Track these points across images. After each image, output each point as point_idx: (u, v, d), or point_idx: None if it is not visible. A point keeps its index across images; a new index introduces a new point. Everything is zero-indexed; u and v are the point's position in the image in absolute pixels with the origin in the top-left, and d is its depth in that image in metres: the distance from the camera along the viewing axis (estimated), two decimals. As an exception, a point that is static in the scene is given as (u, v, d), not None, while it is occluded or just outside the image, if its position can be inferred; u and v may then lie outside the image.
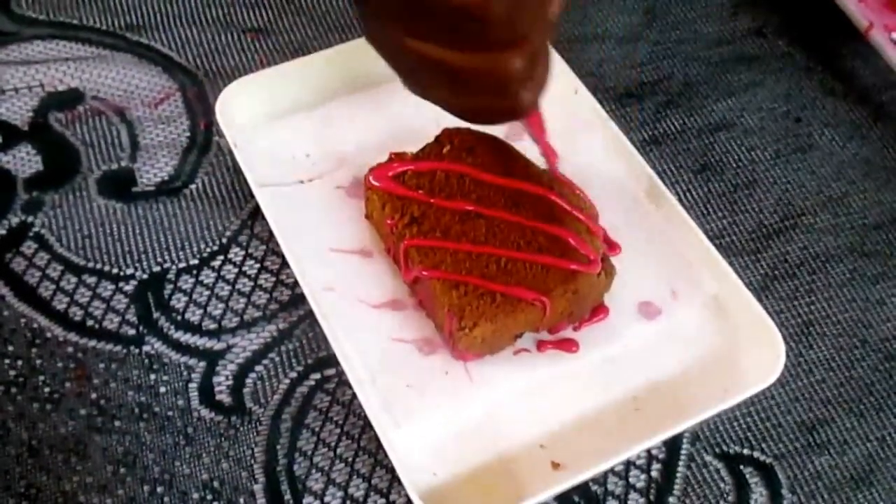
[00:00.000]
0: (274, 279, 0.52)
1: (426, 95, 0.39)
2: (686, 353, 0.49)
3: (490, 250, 0.46)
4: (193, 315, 0.50)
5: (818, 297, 0.53)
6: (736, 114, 0.61)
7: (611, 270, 0.48)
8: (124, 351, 0.49)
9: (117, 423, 0.47)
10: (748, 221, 0.56)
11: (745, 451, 0.48)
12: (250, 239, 0.53)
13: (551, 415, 0.46)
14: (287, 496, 0.46)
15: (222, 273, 0.52)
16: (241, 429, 0.47)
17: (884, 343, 0.52)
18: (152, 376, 0.48)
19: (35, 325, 0.49)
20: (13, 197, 0.54)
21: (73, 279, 0.51)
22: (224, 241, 0.53)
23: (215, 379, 0.48)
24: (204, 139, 0.57)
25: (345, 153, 0.54)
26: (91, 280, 0.51)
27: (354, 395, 0.46)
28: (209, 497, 0.45)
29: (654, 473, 0.47)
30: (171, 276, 0.51)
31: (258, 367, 0.49)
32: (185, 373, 0.48)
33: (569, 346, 0.48)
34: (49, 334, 0.49)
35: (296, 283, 0.50)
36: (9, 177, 0.54)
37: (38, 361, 0.48)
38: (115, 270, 0.51)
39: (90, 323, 0.50)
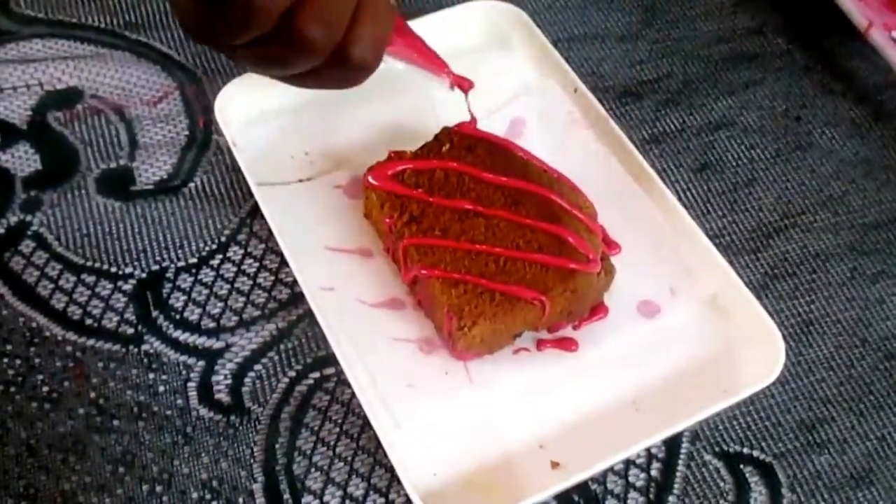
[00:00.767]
0: (273, 278, 0.52)
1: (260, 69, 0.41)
2: (686, 352, 0.49)
3: (489, 249, 0.46)
4: (192, 314, 0.50)
5: (818, 295, 0.53)
6: (735, 112, 0.61)
7: (610, 269, 0.48)
8: (123, 350, 0.49)
9: (116, 423, 0.47)
10: (748, 220, 0.56)
11: (745, 450, 0.48)
12: (249, 238, 0.53)
13: (551, 414, 0.46)
14: (286, 495, 0.45)
15: (221, 272, 0.52)
16: (240, 428, 0.47)
17: (884, 342, 0.52)
18: (151, 375, 0.48)
19: (34, 324, 0.49)
20: (12, 196, 0.54)
21: (72, 278, 0.51)
22: (223, 239, 0.53)
23: (214, 378, 0.48)
24: (203, 138, 0.57)
25: (344, 152, 0.54)
26: (90, 279, 0.51)
27: (353, 395, 0.45)
28: (208, 496, 0.45)
29: (653, 472, 0.47)
30: (169, 274, 0.51)
31: (257, 366, 0.49)
32: (183, 372, 0.48)
33: (568, 345, 0.48)
34: (47, 333, 0.49)
35: (295, 282, 0.50)
36: (7, 175, 0.54)
37: (37, 360, 0.48)
38: (113, 269, 0.51)
39: (89, 322, 0.50)
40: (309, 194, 0.52)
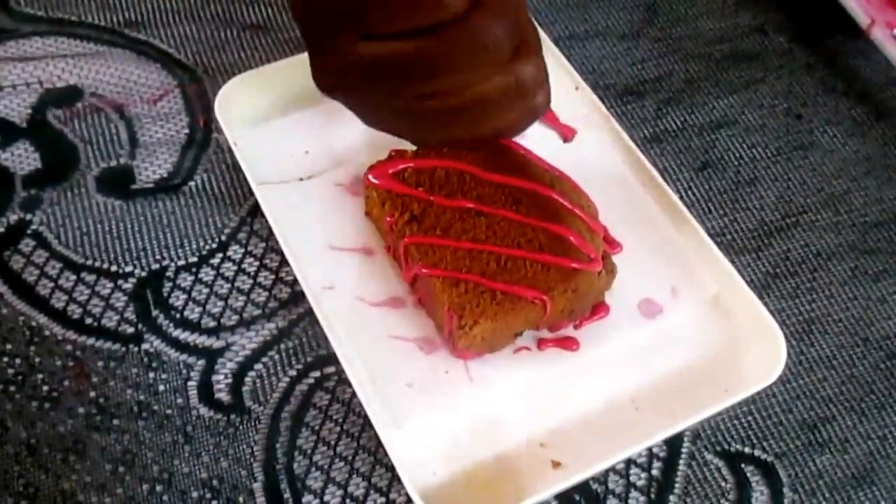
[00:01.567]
0: (273, 277, 0.52)
1: (440, 139, 0.37)
2: (687, 352, 0.49)
3: (490, 248, 0.46)
4: (192, 313, 0.50)
5: (819, 295, 0.53)
6: (737, 111, 0.60)
7: (611, 268, 0.48)
8: (123, 349, 0.49)
9: (116, 422, 0.47)
10: (749, 219, 0.56)
11: (747, 450, 0.48)
12: (249, 236, 0.53)
13: (552, 413, 0.46)
14: (286, 495, 0.45)
15: (221, 271, 0.52)
16: (241, 427, 0.47)
17: (885, 341, 0.52)
18: (151, 374, 0.48)
19: (33, 323, 0.49)
20: (11, 194, 0.53)
21: (72, 277, 0.51)
22: (223, 238, 0.53)
23: (214, 377, 0.48)
24: (203, 136, 0.57)
25: (345, 150, 0.54)
26: (90, 278, 0.51)
27: (354, 394, 0.45)
28: (208, 495, 0.45)
29: (654, 472, 0.47)
30: (170, 273, 0.51)
31: (257, 366, 0.49)
32: (184, 371, 0.48)
33: (569, 344, 0.48)
34: (47, 332, 0.49)
35: (295, 281, 0.50)
36: (7, 174, 0.54)
37: (37, 360, 0.48)
38: (113, 268, 0.51)
39: (89, 321, 0.50)
40: (309, 193, 0.52)
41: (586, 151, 0.54)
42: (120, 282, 0.51)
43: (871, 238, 0.56)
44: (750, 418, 0.49)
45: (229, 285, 0.51)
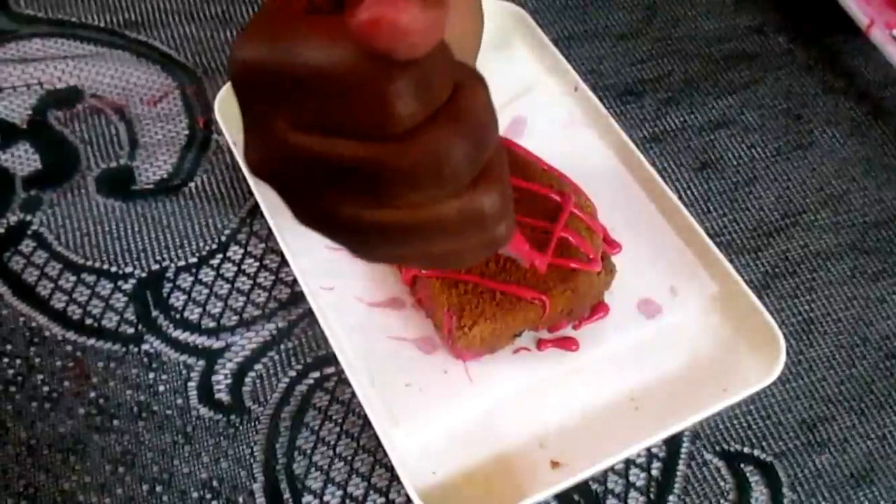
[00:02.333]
0: (273, 277, 0.52)
1: (384, 258, 0.32)
2: (686, 352, 0.49)
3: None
4: (192, 313, 0.50)
5: (819, 294, 0.53)
6: (736, 111, 0.60)
7: (611, 269, 0.48)
8: (123, 349, 0.49)
9: (116, 422, 0.47)
10: (748, 219, 0.56)
11: (746, 450, 0.48)
12: (249, 237, 0.53)
13: (551, 413, 0.46)
14: (286, 495, 0.45)
15: (221, 271, 0.52)
16: (241, 427, 0.47)
17: (884, 341, 0.52)
18: (151, 375, 0.48)
19: (34, 324, 0.49)
20: (12, 195, 0.54)
21: (72, 278, 0.51)
22: (223, 239, 0.53)
23: (214, 378, 0.48)
24: (203, 137, 0.57)
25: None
26: (90, 278, 0.51)
27: (354, 394, 0.45)
28: (208, 496, 0.45)
29: (654, 472, 0.47)
30: (169, 274, 0.51)
31: (257, 366, 0.49)
32: (184, 371, 0.48)
33: (569, 344, 0.48)
34: (48, 333, 0.49)
35: (295, 282, 0.50)
36: (7, 175, 0.54)
37: (37, 360, 0.48)
38: (113, 269, 0.51)
39: (89, 321, 0.50)
40: (309, 193, 0.52)
41: (585, 151, 0.54)
42: (120, 282, 0.51)
43: (870, 238, 0.56)
44: (749, 418, 0.49)
45: (229, 286, 0.51)
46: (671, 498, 0.47)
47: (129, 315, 0.50)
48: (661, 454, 0.48)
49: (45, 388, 0.48)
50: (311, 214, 0.30)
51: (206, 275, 0.52)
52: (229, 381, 0.48)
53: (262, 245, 0.53)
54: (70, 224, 0.53)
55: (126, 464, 0.46)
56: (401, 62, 0.24)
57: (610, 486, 0.47)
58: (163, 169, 0.55)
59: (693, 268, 0.50)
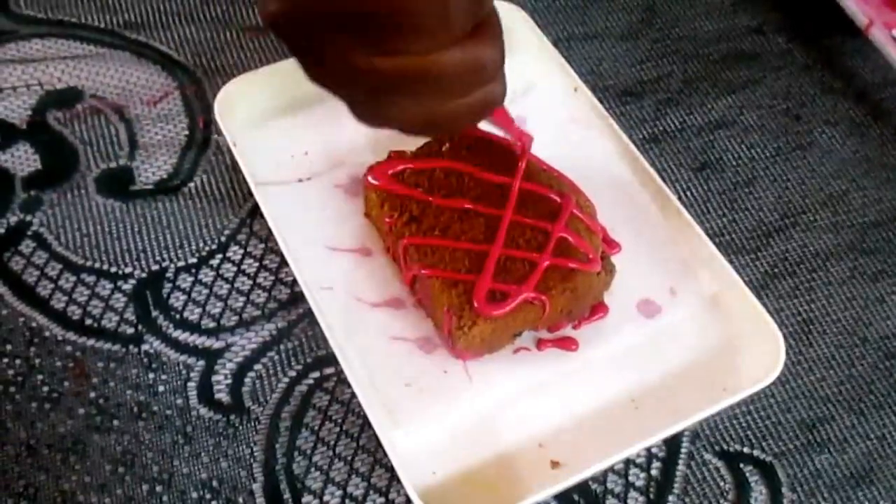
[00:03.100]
0: (273, 278, 0.52)
1: (387, 116, 0.34)
2: (686, 352, 0.49)
3: (489, 248, 0.46)
4: (192, 314, 0.50)
5: (818, 294, 0.53)
6: (735, 111, 0.60)
7: (610, 269, 0.48)
8: (123, 350, 0.49)
9: (116, 423, 0.47)
10: (748, 219, 0.56)
11: (745, 450, 0.48)
12: (249, 237, 0.53)
13: (551, 413, 0.46)
14: (286, 495, 0.45)
15: (221, 272, 0.52)
16: (240, 428, 0.47)
17: (884, 341, 0.52)
18: (151, 375, 0.48)
19: (33, 324, 0.49)
20: (11, 196, 0.54)
21: (72, 278, 0.51)
22: (223, 239, 0.53)
23: (214, 378, 0.48)
24: (203, 137, 0.57)
25: (344, 151, 0.54)
26: (90, 279, 0.51)
27: (353, 394, 0.45)
28: (208, 496, 0.45)
29: (653, 472, 0.47)
30: (169, 274, 0.51)
31: (257, 366, 0.49)
32: (183, 372, 0.48)
33: (568, 344, 0.48)
34: (47, 333, 0.49)
35: (295, 282, 0.50)
36: (7, 176, 0.54)
37: (37, 360, 0.48)
38: (113, 269, 0.51)
39: (89, 322, 0.50)
40: (309, 194, 0.52)
41: (585, 152, 0.54)
42: (120, 283, 0.51)
43: (869, 238, 0.56)
44: (749, 418, 0.49)
45: (229, 286, 0.51)
46: (671, 498, 0.47)
47: (129, 315, 0.50)
48: (661, 454, 0.48)
49: (45, 389, 0.48)
50: (323, 65, 0.31)
51: (206, 275, 0.52)
52: (229, 381, 0.48)
53: (262, 245, 0.53)
54: (70, 224, 0.53)
55: (126, 464, 0.46)
56: None
57: (609, 485, 0.47)
58: (162, 169, 0.55)
59: (692, 268, 0.50)
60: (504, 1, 0.59)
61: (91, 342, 0.49)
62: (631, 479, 0.47)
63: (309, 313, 0.49)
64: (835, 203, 0.57)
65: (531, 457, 0.45)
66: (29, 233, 0.52)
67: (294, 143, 0.54)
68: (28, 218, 0.53)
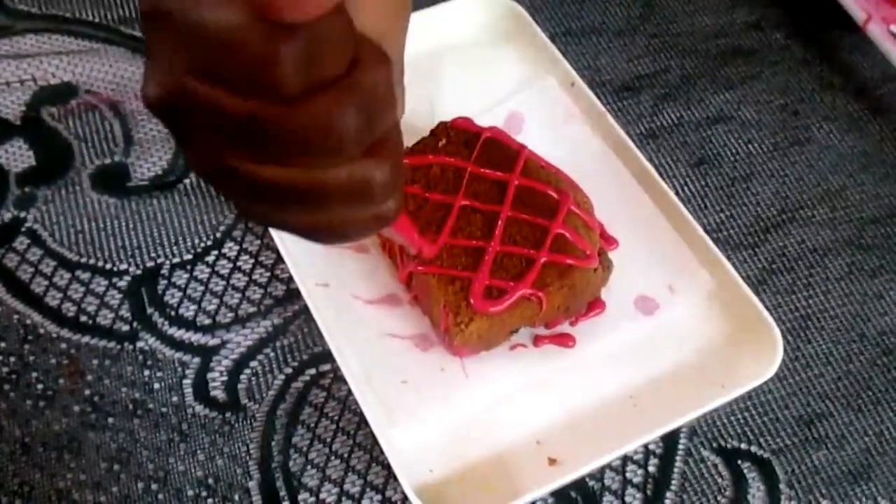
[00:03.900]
0: (269, 274, 0.51)
1: (273, 219, 0.32)
2: (683, 348, 0.48)
3: (486, 245, 0.46)
4: (187, 311, 0.50)
5: (816, 290, 0.53)
6: (733, 107, 0.60)
7: (608, 265, 0.48)
8: (118, 347, 0.49)
9: (111, 420, 0.47)
10: (746, 215, 0.56)
11: (743, 446, 0.48)
12: (245, 234, 0.53)
13: (548, 410, 0.46)
14: (282, 492, 0.45)
15: (216, 268, 0.51)
16: (236, 425, 0.47)
17: (882, 337, 0.52)
18: (146, 372, 0.48)
19: (28, 322, 0.49)
20: (5, 192, 0.53)
21: (67, 275, 0.51)
22: (218, 235, 0.53)
23: (210, 375, 0.48)
24: (198, 133, 0.56)
25: (340, 147, 0.53)
26: (84, 276, 0.51)
27: (350, 391, 0.45)
28: (204, 493, 0.45)
29: (651, 469, 0.47)
30: (164, 271, 0.51)
31: (253, 363, 0.49)
32: (179, 369, 0.48)
33: (565, 341, 0.48)
34: (42, 330, 0.49)
35: (290, 279, 0.50)
36: (1, 172, 0.54)
37: (31, 358, 0.48)
38: (108, 266, 0.51)
39: (83, 319, 0.49)
40: (305, 190, 0.52)
41: (582, 147, 0.54)
42: (115, 279, 0.51)
43: (867, 234, 0.56)
44: (746, 414, 0.49)
45: (224, 283, 0.51)
46: (668, 494, 0.46)
47: (124, 312, 0.50)
48: (659, 451, 0.48)
49: (40, 386, 0.47)
50: (202, 161, 0.30)
51: (202, 272, 0.51)
52: (225, 378, 0.48)
53: (258, 242, 0.52)
54: (64, 221, 0.52)
55: (121, 461, 0.46)
56: (290, 25, 0.24)
57: (607, 482, 0.47)
58: (157, 165, 0.55)
59: (690, 264, 0.50)
60: (501, -4, 0.59)
61: (86, 339, 0.49)
62: (629, 475, 0.47)
63: (305, 310, 0.49)
64: (833, 198, 0.57)
65: (528, 454, 0.45)
66: (23, 229, 0.52)
67: (290, 139, 0.53)
68: (22, 214, 0.52)
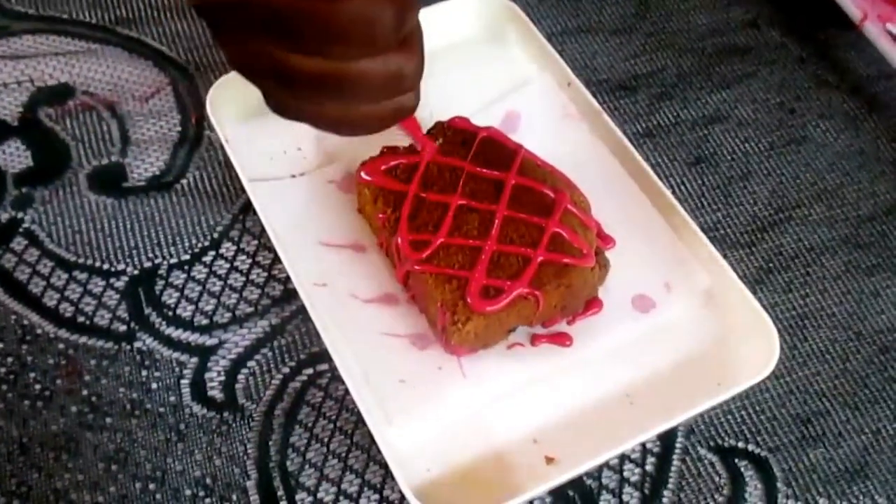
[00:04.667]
0: (266, 274, 0.51)
1: (301, 111, 0.35)
2: (680, 347, 0.48)
3: (483, 244, 0.46)
4: (185, 311, 0.50)
5: (813, 289, 0.53)
6: (730, 106, 0.60)
7: (604, 264, 0.48)
8: (115, 347, 0.49)
9: (109, 420, 0.47)
10: (742, 214, 0.56)
11: (740, 445, 0.48)
12: (242, 234, 0.53)
13: (545, 409, 0.46)
14: (280, 492, 0.45)
15: (214, 268, 0.51)
16: (234, 425, 0.47)
17: (878, 335, 0.52)
18: (144, 372, 0.48)
19: (25, 322, 0.49)
20: (3, 193, 0.53)
21: (64, 275, 0.51)
22: (215, 236, 0.53)
23: (207, 375, 0.48)
24: (195, 134, 0.56)
25: (337, 147, 0.54)
26: (82, 276, 0.51)
27: (347, 391, 0.45)
28: (201, 493, 0.45)
29: (648, 467, 0.47)
30: (162, 271, 0.51)
31: (250, 363, 0.49)
32: (176, 369, 0.48)
33: (563, 339, 0.48)
34: (39, 331, 0.49)
35: (288, 279, 0.50)
36: (-2, 172, 0.54)
37: (29, 358, 0.48)
38: (105, 266, 0.51)
39: (81, 319, 0.49)
40: (302, 189, 0.52)
41: (579, 147, 0.54)
42: (112, 280, 0.51)
43: (864, 232, 0.56)
44: (743, 413, 0.49)
45: (222, 283, 0.51)
46: (665, 493, 0.47)
47: (122, 312, 0.50)
48: (656, 449, 0.48)
49: (37, 387, 0.47)
50: (244, 53, 0.32)
51: (199, 272, 0.51)
52: (222, 378, 0.48)
53: (255, 242, 0.52)
54: (62, 221, 0.53)
55: (119, 462, 0.46)
56: None
57: (604, 481, 0.47)
58: (155, 166, 0.55)
59: (687, 263, 0.50)
60: (497, -5, 0.59)
61: (83, 340, 0.49)
62: (626, 474, 0.47)
63: (302, 310, 0.49)
64: (829, 197, 0.57)
65: (526, 453, 0.45)
66: (20, 230, 0.52)
67: (287, 139, 0.54)
68: (19, 215, 0.53)
